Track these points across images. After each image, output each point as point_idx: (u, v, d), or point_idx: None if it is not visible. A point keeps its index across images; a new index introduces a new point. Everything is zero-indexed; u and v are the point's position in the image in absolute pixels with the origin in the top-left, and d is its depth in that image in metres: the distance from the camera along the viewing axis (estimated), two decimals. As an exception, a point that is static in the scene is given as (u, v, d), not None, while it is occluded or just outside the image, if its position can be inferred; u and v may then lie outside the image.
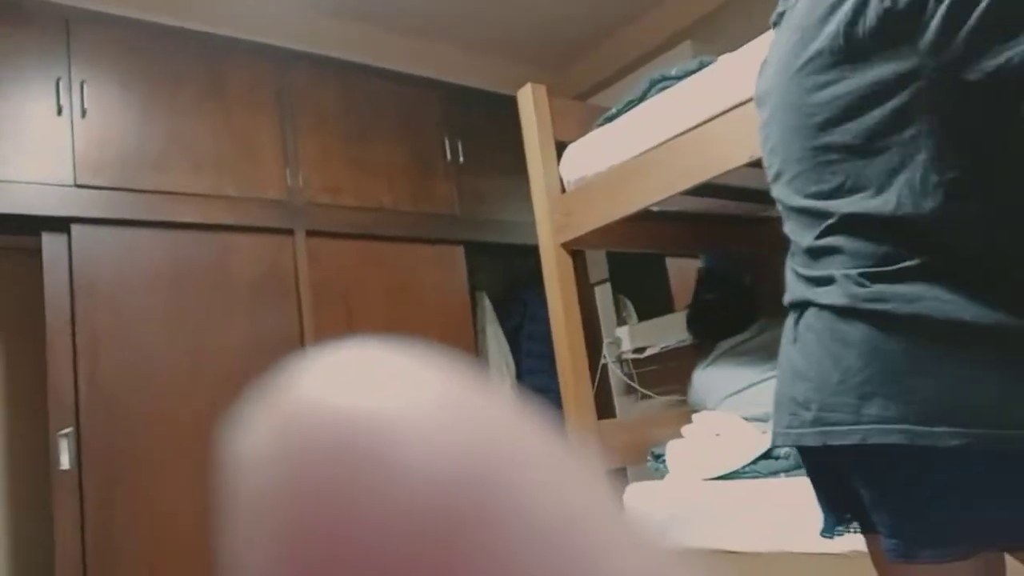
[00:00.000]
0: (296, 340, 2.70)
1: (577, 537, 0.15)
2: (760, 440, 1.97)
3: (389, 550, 0.14)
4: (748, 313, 2.57)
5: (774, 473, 1.92)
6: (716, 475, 2.00)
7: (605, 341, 3.36)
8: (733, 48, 1.98)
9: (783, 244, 2.89)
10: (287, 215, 2.79)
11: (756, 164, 1.89)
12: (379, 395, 0.17)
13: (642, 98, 2.26)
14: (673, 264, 3.24)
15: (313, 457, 0.16)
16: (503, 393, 0.18)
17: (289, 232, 2.79)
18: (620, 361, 3.32)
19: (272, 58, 2.90)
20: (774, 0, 2.90)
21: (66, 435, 2.29)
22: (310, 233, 2.82)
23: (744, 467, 1.96)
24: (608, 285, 3.53)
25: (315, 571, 0.15)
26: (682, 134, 1.99)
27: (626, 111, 2.28)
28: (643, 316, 3.35)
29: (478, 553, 0.14)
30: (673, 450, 2.18)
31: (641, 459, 2.35)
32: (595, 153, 2.28)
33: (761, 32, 1.87)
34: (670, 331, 3.09)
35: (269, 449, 0.17)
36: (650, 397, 3.20)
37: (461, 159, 3.26)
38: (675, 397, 3.00)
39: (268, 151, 2.81)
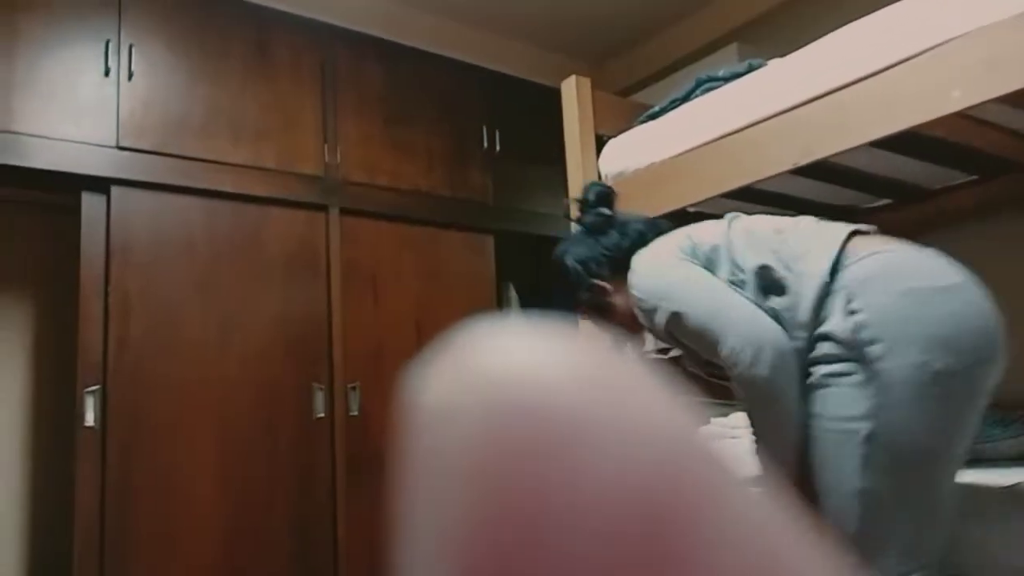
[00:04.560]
0: (323, 317, 2.72)
1: (764, 540, 0.15)
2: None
3: (589, 529, 0.15)
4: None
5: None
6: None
7: (629, 340, 3.34)
8: (779, 53, 1.96)
9: None
10: (323, 191, 2.81)
11: (799, 171, 1.88)
12: (588, 383, 0.17)
13: (687, 97, 2.24)
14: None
15: (522, 431, 0.16)
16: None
17: (323, 208, 2.80)
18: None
19: (319, 33, 2.91)
20: (823, 7, 2.87)
21: (93, 392, 2.32)
22: (344, 211, 2.83)
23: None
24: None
25: (515, 537, 0.15)
26: (726, 136, 1.97)
27: (670, 109, 2.26)
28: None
29: (675, 542, 0.14)
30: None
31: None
32: (636, 149, 2.26)
33: (808, 37, 1.84)
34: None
35: (473, 418, 0.18)
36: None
37: (498, 147, 3.26)
38: (696, 398, 2.98)
39: (308, 126, 2.83)
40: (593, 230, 1.71)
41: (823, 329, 1.26)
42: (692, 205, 2.11)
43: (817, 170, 1.99)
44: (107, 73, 2.49)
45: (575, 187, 2.37)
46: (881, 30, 1.65)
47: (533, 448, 0.17)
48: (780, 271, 1.34)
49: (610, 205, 1.74)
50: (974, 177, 2.19)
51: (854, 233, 1.35)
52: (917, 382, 1.14)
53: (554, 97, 2.47)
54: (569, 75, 2.47)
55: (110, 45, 2.50)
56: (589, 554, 0.16)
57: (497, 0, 3.18)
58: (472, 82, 3.27)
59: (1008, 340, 1.19)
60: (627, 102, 2.81)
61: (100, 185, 2.43)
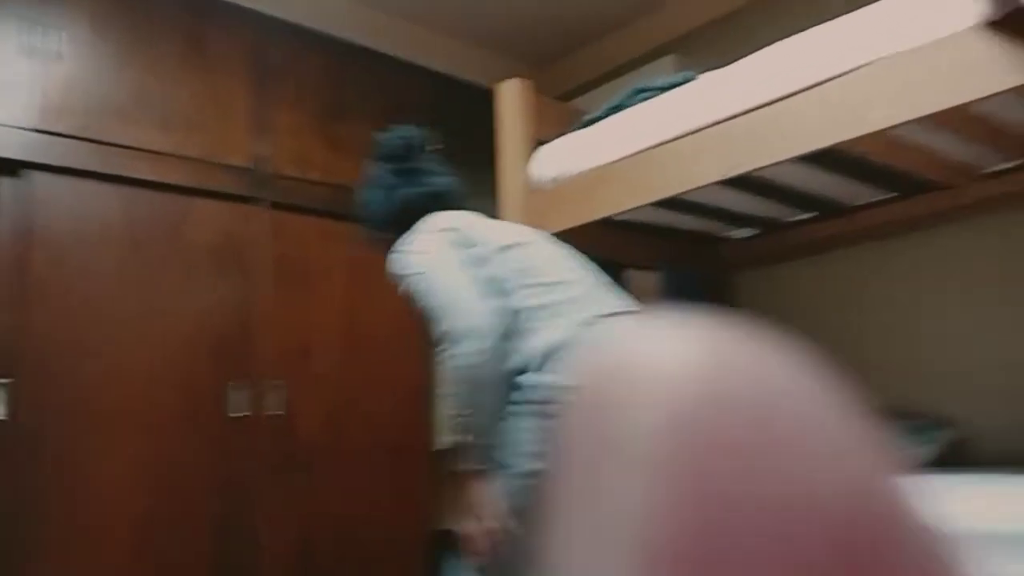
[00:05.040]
0: (247, 313, 2.65)
1: (937, 547, 0.17)
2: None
3: (780, 534, 0.15)
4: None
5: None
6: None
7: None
8: (717, 65, 1.99)
9: (742, 265, 2.93)
10: (252, 184, 2.74)
11: (727, 183, 1.92)
12: (791, 392, 0.19)
13: (623, 105, 2.26)
14: (634, 274, 3.25)
15: (733, 429, 0.17)
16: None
17: (253, 201, 2.74)
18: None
19: (255, 24, 2.84)
20: (760, 20, 2.93)
21: (3, 385, 2.21)
22: (275, 205, 2.77)
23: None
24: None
25: (714, 528, 0.16)
26: (658, 145, 1.99)
27: (606, 117, 2.28)
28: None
29: (875, 549, 0.15)
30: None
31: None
32: (571, 155, 2.27)
33: (745, 51, 1.88)
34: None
35: (674, 412, 0.18)
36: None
37: (440, 147, 3.23)
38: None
39: (240, 117, 2.76)
40: (392, 178, 1.78)
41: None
42: (622, 213, 2.13)
43: (745, 183, 2.03)
44: (30, 54, 2.38)
45: (510, 192, 2.37)
46: (808, 49, 1.70)
47: (739, 447, 0.19)
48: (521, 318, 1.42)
49: (412, 156, 1.77)
50: (894, 195, 2.27)
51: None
52: None
53: (490, 98, 2.47)
54: (511, 77, 2.47)
55: (34, 25, 2.40)
56: (775, 555, 0.18)
57: (443, 2, 3.16)
58: (415, 81, 3.24)
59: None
60: (565, 106, 2.82)
61: (13, 168, 2.32)
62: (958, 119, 1.58)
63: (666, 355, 0.19)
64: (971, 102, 1.43)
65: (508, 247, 1.53)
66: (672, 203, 2.08)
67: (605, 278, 1.59)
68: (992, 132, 1.74)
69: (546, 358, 1.33)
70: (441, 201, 1.75)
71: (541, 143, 2.40)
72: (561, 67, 3.64)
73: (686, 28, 3.12)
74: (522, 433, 1.31)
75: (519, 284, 1.45)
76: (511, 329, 1.39)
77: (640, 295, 3.23)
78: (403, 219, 1.76)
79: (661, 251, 2.75)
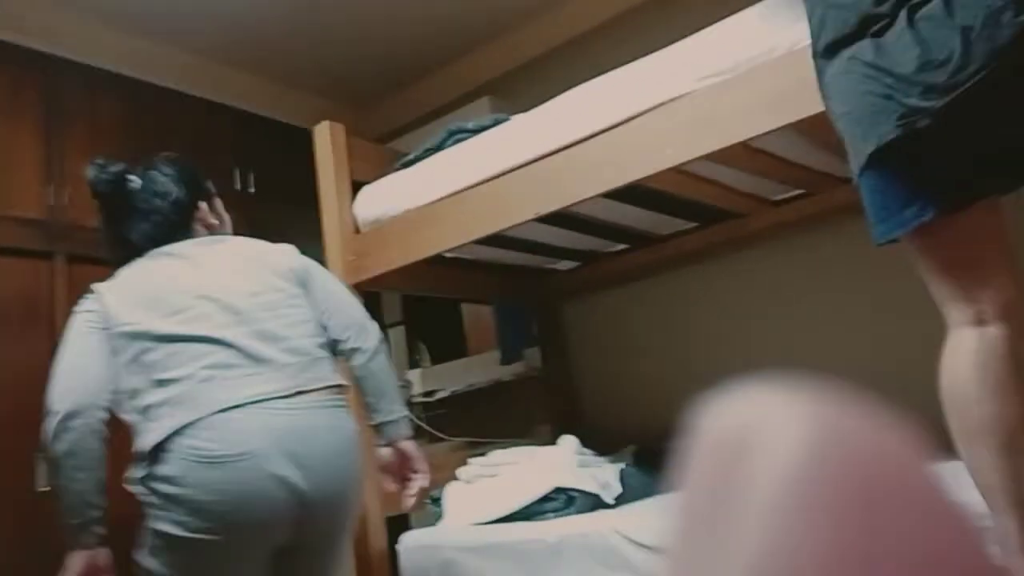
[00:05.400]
0: (46, 371, 2.41)
1: None
2: (540, 481, 2.00)
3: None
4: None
5: (543, 514, 1.96)
6: (489, 519, 2.00)
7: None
8: (531, 105, 2.06)
9: (568, 295, 2.99)
10: (46, 237, 2.52)
11: (544, 219, 1.98)
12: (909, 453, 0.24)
13: (439, 147, 2.29)
14: (469, 308, 3.28)
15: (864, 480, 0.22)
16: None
17: (48, 256, 2.51)
18: (410, 404, 3.29)
19: (43, 66, 2.63)
20: (570, 62, 3.05)
21: None
22: (72, 259, 2.56)
23: (518, 510, 1.98)
24: (402, 328, 3.51)
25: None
26: (475, 186, 2.03)
27: (424, 158, 2.30)
28: (437, 359, 3.36)
29: None
30: (451, 494, 2.17)
31: (424, 504, 2.32)
32: (391, 196, 2.27)
33: (557, 91, 1.96)
34: (463, 374, 3.12)
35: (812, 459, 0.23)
36: (440, 440, 3.19)
37: (252, 189, 3.12)
38: (464, 439, 3.01)
39: (28, 166, 2.53)
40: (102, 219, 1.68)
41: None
42: (447, 251, 2.14)
43: (560, 218, 2.11)
44: None
45: (332, 234, 2.33)
46: (608, 92, 1.80)
47: (871, 502, 0.22)
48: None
49: (116, 195, 1.63)
50: (695, 224, 2.43)
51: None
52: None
53: (311, 139, 2.42)
54: (328, 118, 2.44)
55: None
56: None
57: (252, 41, 3.06)
58: (223, 122, 3.11)
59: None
60: (383, 148, 2.82)
61: None
62: (743, 155, 1.72)
63: (789, 414, 0.22)
64: (751, 139, 1.56)
65: (136, 336, 1.46)
66: (495, 240, 2.13)
67: (313, 352, 1.54)
68: (775, 165, 1.90)
69: (154, 454, 1.36)
70: (137, 249, 1.59)
71: (361, 185, 2.38)
72: (380, 109, 3.63)
73: (500, 71, 3.20)
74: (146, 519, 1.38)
75: (141, 377, 1.43)
76: (98, 417, 1.42)
77: (474, 329, 3.27)
78: (116, 263, 1.62)
79: (491, 286, 2.80)
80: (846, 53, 1.19)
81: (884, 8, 1.13)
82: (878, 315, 2.26)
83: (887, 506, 0.22)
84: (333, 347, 1.61)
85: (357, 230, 2.33)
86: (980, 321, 1.12)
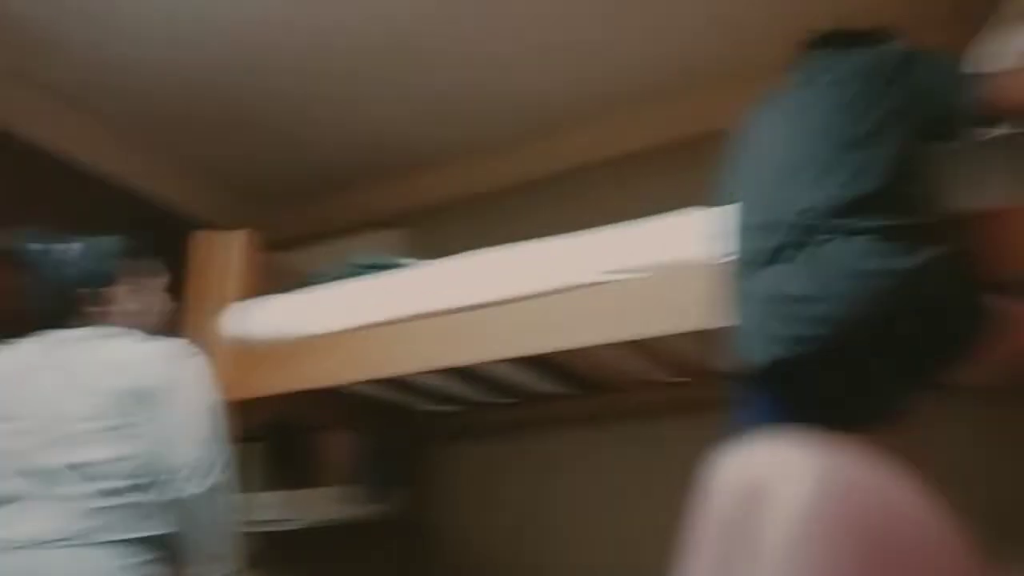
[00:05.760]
0: None
1: None
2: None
3: None
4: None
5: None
6: None
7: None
8: (442, 244, 2.07)
9: (440, 440, 2.88)
10: None
11: (437, 371, 1.96)
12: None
13: (339, 277, 2.25)
14: (335, 436, 3.15)
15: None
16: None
17: None
18: (251, 532, 3.07)
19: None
20: (487, 209, 3.09)
21: None
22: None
23: None
24: (262, 445, 3.31)
25: None
26: (377, 325, 1.99)
27: (322, 284, 2.25)
28: (293, 485, 3.17)
29: None
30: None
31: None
32: (270, 318, 2.18)
33: (467, 238, 1.98)
34: (317, 506, 2.95)
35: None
36: None
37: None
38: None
39: None
40: None
41: None
42: (326, 388, 2.07)
43: (453, 370, 2.09)
44: None
45: (212, 343, 2.20)
46: (518, 263, 1.85)
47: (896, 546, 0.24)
48: None
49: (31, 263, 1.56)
50: (580, 391, 2.48)
51: None
52: None
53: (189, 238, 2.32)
54: (221, 214, 2.35)
55: None
56: None
57: (153, 119, 2.94)
58: (110, 199, 2.95)
59: None
60: (272, 261, 2.71)
61: None
62: (635, 345, 1.79)
63: (800, 466, 0.23)
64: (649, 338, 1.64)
65: None
66: (386, 381, 2.08)
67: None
68: (665, 355, 1.99)
69: None
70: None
71: (244, 296, 2.28)
72: (279, 216, 3.53)
73: (416, 206, 3.22)
74: None
75: None
76: None
77: (332, 459, 3.13)
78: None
79: (367, 419, 2.72)
80: (748, 277, 1.29)
81: (780, 242, 1.25)
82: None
83: (890, 551, 0.24)
84: (155, 486, 1.47)
85: (241, 344, 2.22)
86: None
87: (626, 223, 1.76)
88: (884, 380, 1.22)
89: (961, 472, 1.53)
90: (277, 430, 3.31)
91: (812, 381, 1.22)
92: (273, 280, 2.42)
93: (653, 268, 1.64)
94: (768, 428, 1.25)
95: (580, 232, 1.83)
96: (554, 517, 2.65)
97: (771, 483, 0.27)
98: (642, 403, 2.43)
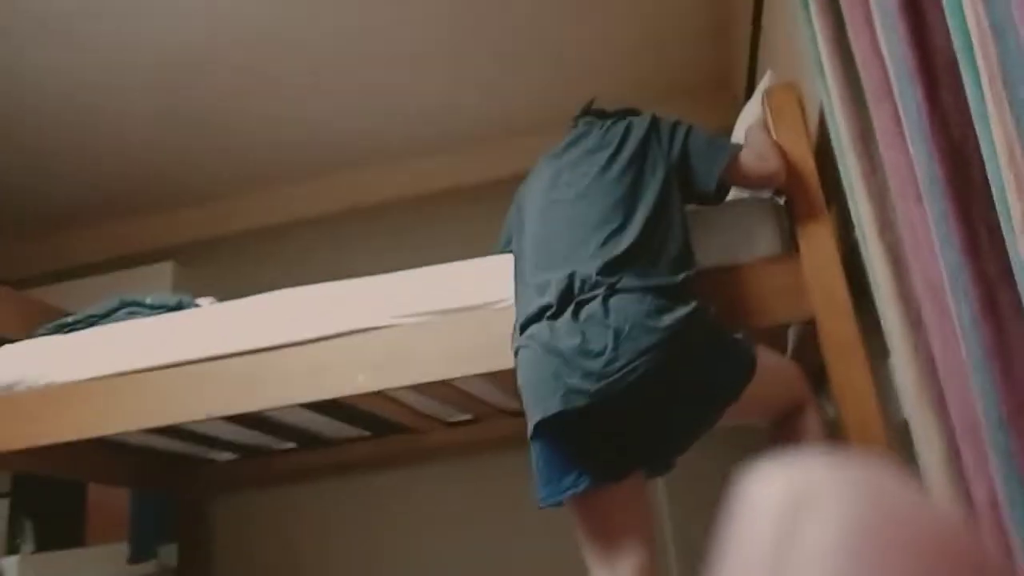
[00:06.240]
0: None
1: None
2: None
3: None
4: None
5: None
6: None
7: (-20, 573, 2.73)
8: (214, 281, 1.97)
9: (216, 490, 2.75)
10: None
11: (226, 418, 1.86)
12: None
13: (107, 316, 2.08)
14: (97, 488, 2.87)
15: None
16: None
17: None
18: (-3, 602, 2.70)
19: None
20: (262, 243, 2.98)
21: None
22: None
23: None
24: (7, 501, 2.94)
25: None
26: (147, 370, 1.85)
27: (86, 326, 2.06)
28: (45, 545, 2.84)
29: None
30: None
31: None
32: (37, 362, 1.97)
33: (243, 273, 1.90)
34: (77, 569, 2.66)
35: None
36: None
37: None
38: None
39: None
40: None
41: None
42: (105, 436, 1.90)
43: (235, 415, 1.99)
44: None
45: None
46: (303, 305, 1.80)
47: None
48: None
49: None
50: (368, 433, 2.46)
51: None
52: None
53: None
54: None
55: None
56: None
57: None
58: None
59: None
60: (27, 300, 2.45)
61: None
62: (427, 386, 1.80)
63: (839, 482, 0.23)
64: (438, 381, 1.66)
65: None
66: (168, 430, 1.94)
67: None
68: (454, 395, 2.02)
69: None
70: None
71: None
72: (30, 247, 3.18)
73: (187, 238, 3.04)
74: None
75: None
76: None
77: (99, 513, 2.84)
78: None
79: (132, 470, 2.51)
80: (530, 330, 1.35)
81: (551, 300, 1.32)
82: (538, 541, 2.38)
83: (931, 567, 0.25)
84: None
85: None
86: None
87: (413, 267, 1.78)
88: (659, 431, 1.31)
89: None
90: (38, 485, 2.97)
91: (583, 433, 1.28)
92: (28, 320, 2.19)
93: (441, 312, 1.67)
94: (546, 473, 1.32)
95: (366, 274, 1.82)
96: (345, 566, 2.58)
97: (814, 500, 0.29)
98: (433, 444, 2.45)
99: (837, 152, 1.25)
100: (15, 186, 2.88)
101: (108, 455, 2.33)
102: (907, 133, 0.89)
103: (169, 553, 2.66)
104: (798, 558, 0.28)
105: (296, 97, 2.56)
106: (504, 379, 1.63)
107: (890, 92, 0.93)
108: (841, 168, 1.24)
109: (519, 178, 1.65)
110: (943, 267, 0.85)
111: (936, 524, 0.29)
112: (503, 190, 1.67)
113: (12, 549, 2.85)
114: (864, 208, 1.12)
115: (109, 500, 2.77)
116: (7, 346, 2.04)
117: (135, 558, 2.60)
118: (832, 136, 1.26)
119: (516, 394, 1.41)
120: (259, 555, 2.67)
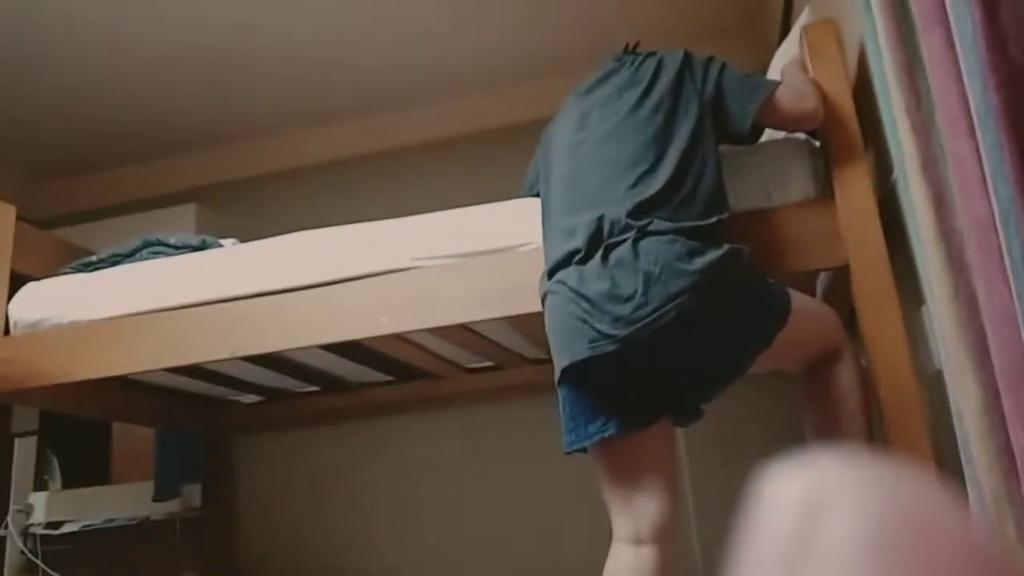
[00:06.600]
0: None
1: None
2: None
3: None
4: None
5: None
6: None
7: (13, 507, 2.79)
8: (239, 223, 1.96)
9: (240, 431, 2.78)
10: None
11: (242, 358, 1.86)
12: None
13: (130, 256, 2.08)
14: (122, 427, 2.91)
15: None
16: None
17: None
18: (26, 534, 2.77)
19: None
20: (284, 192, 2.97)
21: None
22: None
23: None
24: (34, 439, 2.99)
25: None
26: (171, 309, 1.85)
27: (111, 264, 2.06)
28: (72, 483, 2.90)
29: None
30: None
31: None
32: (63, 300, 1.98)
33: (270, 213, 1.89)
34: (102, 506, 2.71)
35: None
36: (55, 581, 2.71)
37: None
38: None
39: None
40: None
41: None
42: (129, 374, 1.91)
43: (254, 356, 1.99)
44: None
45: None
46: (326, 247, 1.78)
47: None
48: None
49: None
50: (390, 378, 2.46)
51: None
52: None
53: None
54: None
55: None
56: None
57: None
58: None
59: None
60: (52, 239, 2.46)
61: None
62: (449, 330, 1.79)
63: (856, 482, 0.26)
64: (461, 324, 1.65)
65: None
66: (187, 369, 1.95)
67: None
68: (475, 341, 2.01)
69: None
70: None
71: (19, 277, 2.05)
72: (56, 187, 3.20)
73: (209, 179, 3.02)
74: None
75: None
76: None
77: (125, 451, 2.89)
78: None
79: (159, 410, 2.54)
80: (558, 275, 1.32)
81: (579, 244, 1.29)
82: (557, 489, 2.40)
83: (948, 569, 0.25)
84: None
85: (7, 331, 1.99)
86: (637, 540, 1.25)
87: (436, 211, 1.76)
88: (689, 377, 1.28)
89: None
90: (64, 424, 3.02)
91: (611, 379, 1.26)
92: (51, 258, 2.19)
93: (464, 256, 1.65)
94: (572, 419, 1.30)
95: (388, 218, 1.80)
96: (365, 509, 2.61)
97: (832, 500, 0.28)
98: (453, 390, 2.44)
99: (878, 87, 1.19)
100: (40, 127, 2.88)
101: (132, 394, 2.35)
102: (961, 59, 0.84)
103: (193, 492, 2.70)
104: (815, 558, 0.28)
105: (316, 40, 2.51)
106: (526, 324, 1.61)
107: (943, 16, 0.87)
108: (882, 103, 1.18)
109: (549, 120, 1.60)
110: (994, 202, 0.81)
111: (957, 527, 0.29)
112: (533, 132, 1.62)
113: (39, 485, 2.91)
114: (907, 144, 1.07)
115: (134, 439, 2.81)
116: (32, 284, 2.05)
117: (159, 496, 2.64)
118: (874, 70, 1.20)
119: (538, 341, 1.39)
120: (281, 495, 2.71)
